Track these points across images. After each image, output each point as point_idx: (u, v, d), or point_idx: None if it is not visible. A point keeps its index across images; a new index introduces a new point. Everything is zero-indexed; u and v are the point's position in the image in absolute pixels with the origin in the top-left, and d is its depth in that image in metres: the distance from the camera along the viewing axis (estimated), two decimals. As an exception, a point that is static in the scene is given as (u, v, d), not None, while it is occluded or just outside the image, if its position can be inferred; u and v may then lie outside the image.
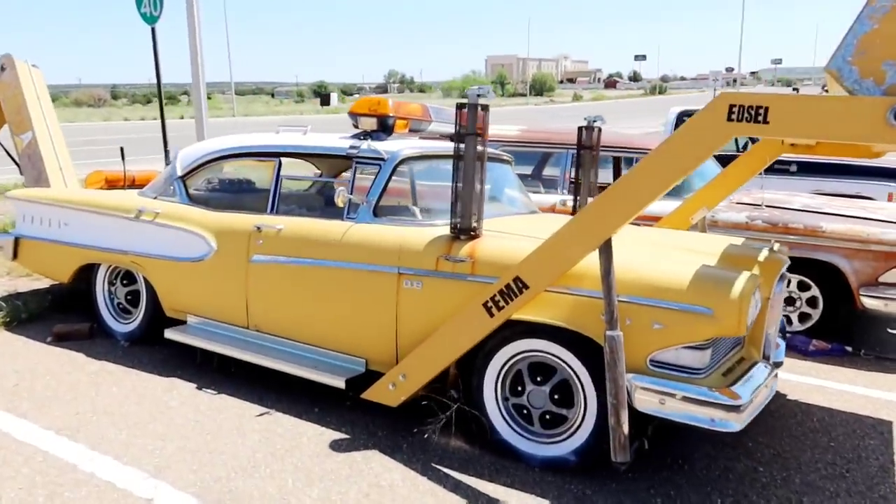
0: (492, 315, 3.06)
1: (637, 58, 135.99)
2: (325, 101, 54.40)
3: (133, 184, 5.71)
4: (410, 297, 3.35)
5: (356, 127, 3.93)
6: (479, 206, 3.27)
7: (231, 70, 42.71)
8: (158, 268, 4.25)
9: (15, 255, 5.10)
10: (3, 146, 7.01)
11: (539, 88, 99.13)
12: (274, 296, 3.81)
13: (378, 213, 3.62)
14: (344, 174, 4.63)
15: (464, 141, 3.22)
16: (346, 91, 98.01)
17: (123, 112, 45.37)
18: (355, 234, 3.56)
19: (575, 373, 3.04)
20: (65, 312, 5.14)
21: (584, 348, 2.99)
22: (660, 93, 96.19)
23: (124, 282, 4.64)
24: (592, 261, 2.90)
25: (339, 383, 3.47)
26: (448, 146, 4.14)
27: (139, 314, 4.55)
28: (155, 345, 4.52)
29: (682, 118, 8.24)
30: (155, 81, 9.10)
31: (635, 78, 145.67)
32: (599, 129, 4.58)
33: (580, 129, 4.56)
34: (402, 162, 3.68)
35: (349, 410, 3.66)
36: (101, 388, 3.88)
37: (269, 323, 3.87)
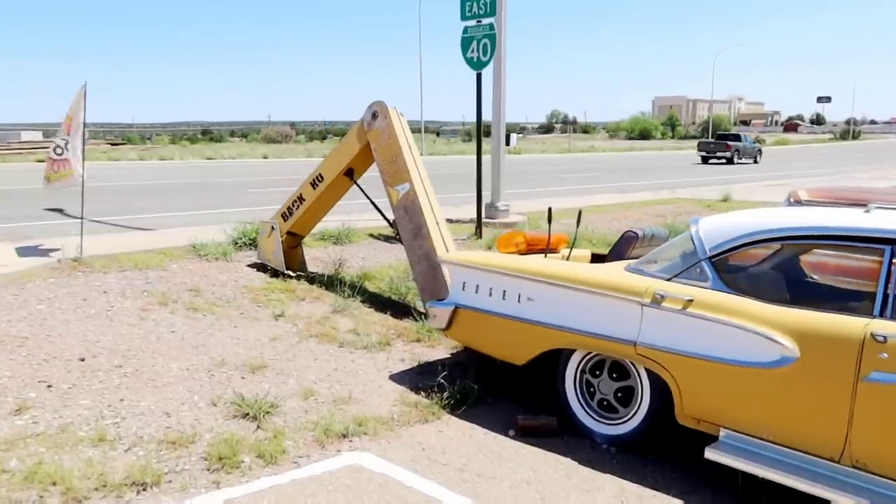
0: None
1: (820, 99, 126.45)
2: (505, 141, 54.35)
3: (548, 247, 5.10)
4: None
5: None
6: None
7: (422, 109, 43.86)
8: (688, 367, 3.47)
9: (448, 326, 4.60)
10: (367, 196, 6.81)
11: (713, 131, 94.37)
12: (908, 430, 2.88)
13: None
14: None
15: None
16: (510, 130, 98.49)
17: (313, 148, 47.85)
18: None
19: None
20: (493, 394, 4.55)
21: None
22: (853, 137, 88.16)
23: (613, 375, 3.93)
24: None
25: None
26: None
27: (634, 416, 3.80)
28: (647, 454, 3.76)
29: None
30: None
31: (818, 121, 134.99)
32: None
33: None
34: None
35: None
36: (656, 524, 3.12)
37: (890, 462, 2.94)
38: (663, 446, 3.80)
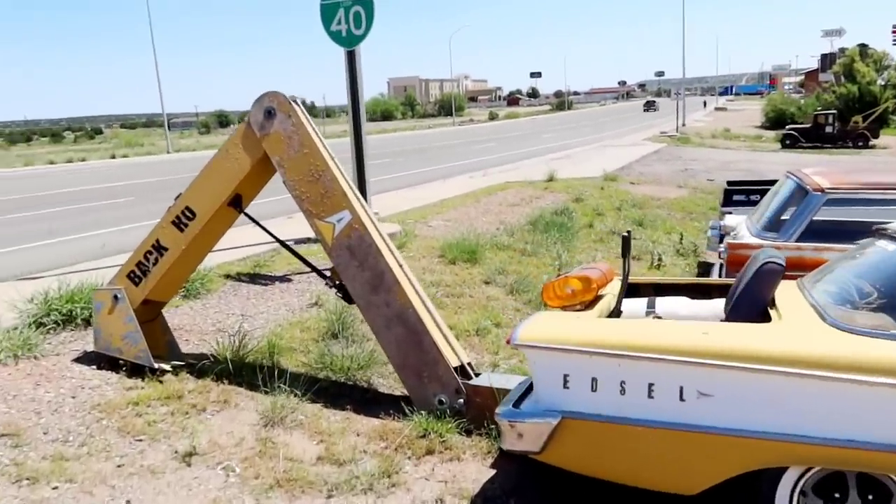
0: None
1: (533, 75, 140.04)
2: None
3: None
4: None
5: None
6: None
7: (162, 102, 38.61)
8: None
9: (544, 447, 2.89)
10: (275, 237, 4.68)
11: (449, 108, 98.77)
12: None
13: None
14: None
15: None
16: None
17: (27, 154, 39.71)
18: None
19: None
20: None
21: None
22: (568, 107, 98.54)
23: (868, 497, 2.58)
24: None
25: None
26: None
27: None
28: None
29: None
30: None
31: (534, 94, 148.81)
32: None
33: None
34: None
35: None
36: None
37: None
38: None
